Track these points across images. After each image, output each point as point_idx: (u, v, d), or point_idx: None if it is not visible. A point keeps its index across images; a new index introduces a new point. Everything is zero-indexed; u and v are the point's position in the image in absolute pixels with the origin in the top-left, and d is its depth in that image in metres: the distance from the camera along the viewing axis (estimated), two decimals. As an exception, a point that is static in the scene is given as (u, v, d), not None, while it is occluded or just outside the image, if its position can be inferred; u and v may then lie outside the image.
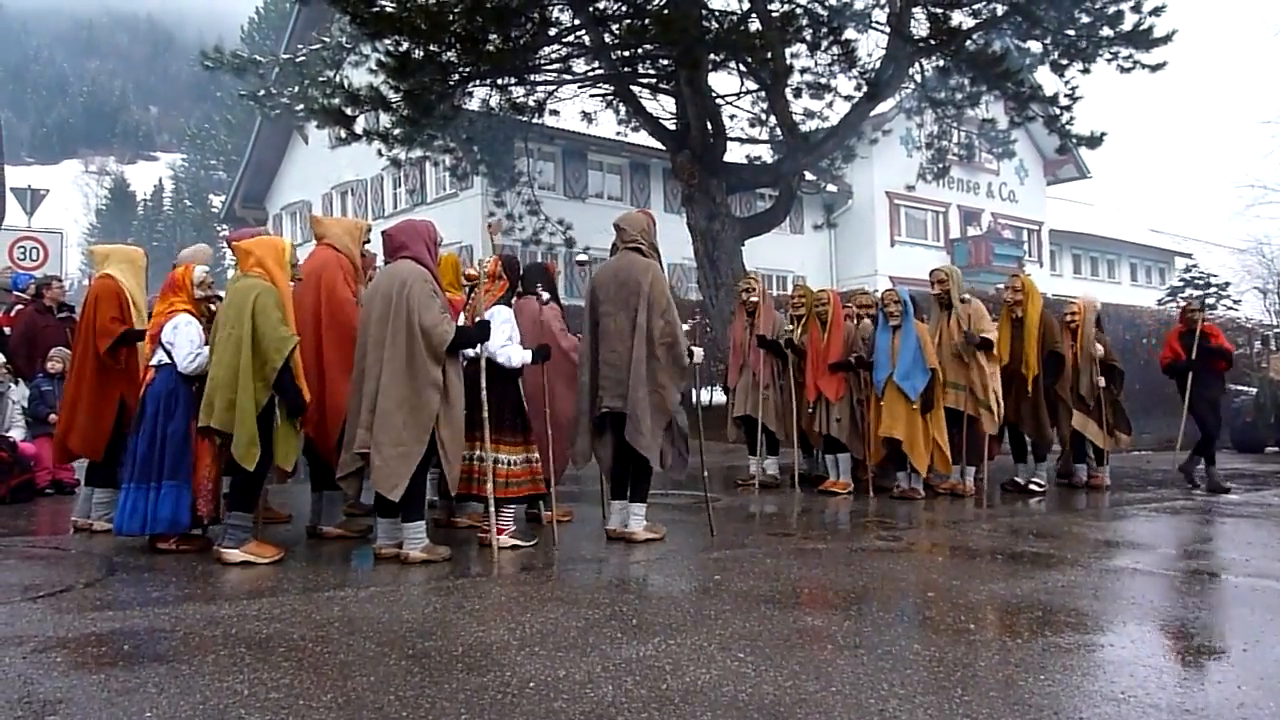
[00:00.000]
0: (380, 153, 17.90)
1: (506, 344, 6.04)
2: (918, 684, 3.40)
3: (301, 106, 17.75)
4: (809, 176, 21.84)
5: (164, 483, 5.71)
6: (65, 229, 18.95)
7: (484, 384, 5.76)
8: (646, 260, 6.42)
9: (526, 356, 6.14)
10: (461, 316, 6.21)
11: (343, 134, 16.86)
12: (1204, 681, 3.63)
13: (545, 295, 7.15)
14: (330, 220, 6.95)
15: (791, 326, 9.60)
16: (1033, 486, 9.60)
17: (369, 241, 6.84)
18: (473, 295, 6.17)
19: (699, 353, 6.58)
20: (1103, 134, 16.80)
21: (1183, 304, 10.21)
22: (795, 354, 9.39)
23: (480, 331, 5.78)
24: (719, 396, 13.69)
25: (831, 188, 27.63)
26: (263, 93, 18.96)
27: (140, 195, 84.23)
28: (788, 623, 4.28)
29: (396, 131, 16.89)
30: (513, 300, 6.56)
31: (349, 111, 16.21)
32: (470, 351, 5.89)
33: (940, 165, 20.43)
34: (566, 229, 19.57)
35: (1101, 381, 9.77)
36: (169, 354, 5.85)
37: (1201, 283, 36.25)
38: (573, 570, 5.57)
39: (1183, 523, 8.03)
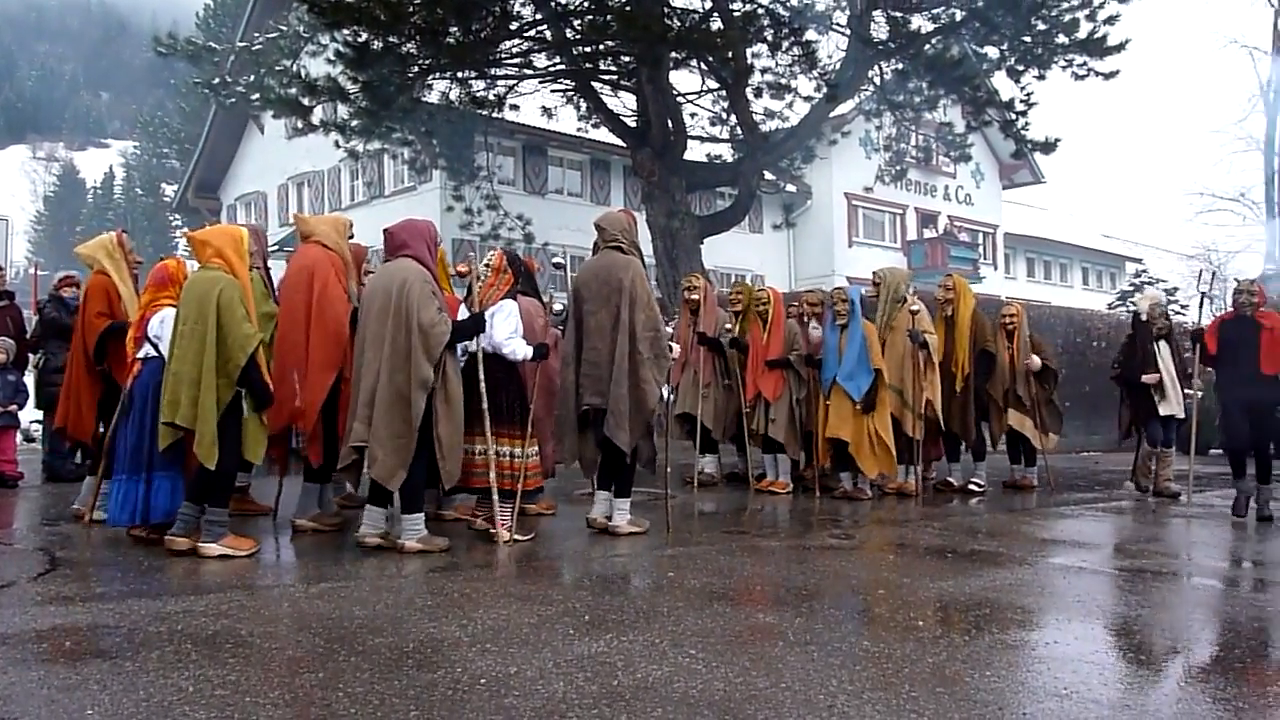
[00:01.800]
0: (338, 144, 17.73)
1: (512, 337, 6.11)
2: (866, 680, 3.43)
3: (257, 96, 17.54)
4: (768, 176, 21.95)
5: (155, 474, 5.66)
6: (11, 216, 18.56)
7: (481, 376, 5.86)
8: (628, 257, 6.49)
9: (529, 352, 6.21)
10: (464, 311, 6.29)
11: (299, 124, 16.70)
12: (1145, 678, 3.71)
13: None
14: (315, 218, 6.97)
15: (730, 326, 9.53)
16: (972, 487, 9.63)
17: (352, 236, 6.89)
18: (470, 291, 6.27)
19: (677, 349, 6.68)
20: (1057, 140, 17.08)
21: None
22: (738, 351, 9.38)
23: (475, 324, 5.87)
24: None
25: (791, 188, 27.76)
26: (218, 81, 18.72)
27: (90, 183, 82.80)
28: (740, 619, 4.31)
29: (354, 123, 16.76)
30: (516, 296, 6.59)
31: (306, 102, 16.07)
32: (471, 345, 5.98)
33: (898, 167, 20.65)
34: (526, 224, 19.49)
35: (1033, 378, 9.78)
36: (156, 348, 5.80)
37: (1145, 286, 36.88)
38: (528, 566, 5.56)
39: (1128, 522, 8.18)
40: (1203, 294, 9.66)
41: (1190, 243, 44.80)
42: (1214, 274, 9.27)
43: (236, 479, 5.92)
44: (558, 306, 6.71)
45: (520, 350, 6.14)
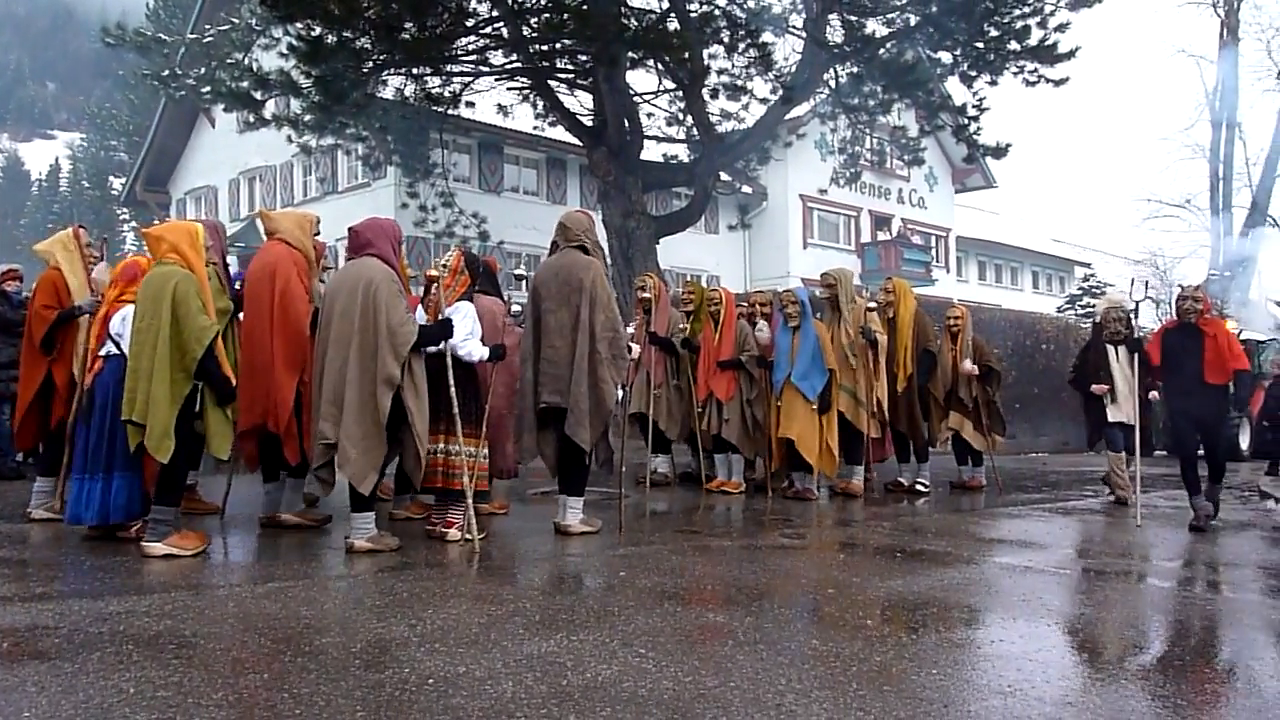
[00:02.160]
0: (290, 139, 17.55)
1: (468, 338, 6.09)
2: (814, 679, 3.46)
3: (208, 89, 17.29)
4: (724, 177, 22.07)
5: (115, 474, 5.63)
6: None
7: (451, 380, 5.84)
8: (588, 258, 6.53)
9: (484, 352, 6.20)
10: (421, 312, 6.31)
11: (251, 118, 16.50)
12: (1088, 675, 3.76)
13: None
14: (280, 214, 6.95)
15: (683, 326, 9.54)
16: (918, 487, 9.73)
17: (318, 234, 6.89)
18: (433, 292, 6.26)
19: (636, 349, 6.72)
20: (1008, 145, 17.31)
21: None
22: (690, 351, 9.37)
23: (442, 329, 5.87)
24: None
25: (746, 189, 27.93)
26: (167, 73, 18.43)
27: (35, 175, 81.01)
28: (690, 619, 4.32)
29: (307, 118, 16.59)
30: (473, 297, 6.57)
31: (258, 95, 15.88)
32: (432, 348, 5.96)
33: (852, 170, 20.83)
34: (481, 222, 19.40)
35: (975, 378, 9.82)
36: (118, 345, 5.76)
37: (1099, 291, 37.56)
38: (479, 566, 5.53)
39: (1075, 523, 8.31)
40: (1137, 303, 9.49)
41: (1138, 248, 45.61)
42: (1147, 283, 9.11)
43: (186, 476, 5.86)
44: (515, 308, 6.72)
45: (476, 351, 6.12)
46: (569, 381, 6.30)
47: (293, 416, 6.25)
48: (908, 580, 5.37)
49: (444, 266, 6.29)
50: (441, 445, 6.03)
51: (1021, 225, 45.49)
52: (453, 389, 5.84)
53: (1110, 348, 9.40)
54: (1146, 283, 9.03)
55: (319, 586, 4.83)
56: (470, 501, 5.96)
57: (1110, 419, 9.41)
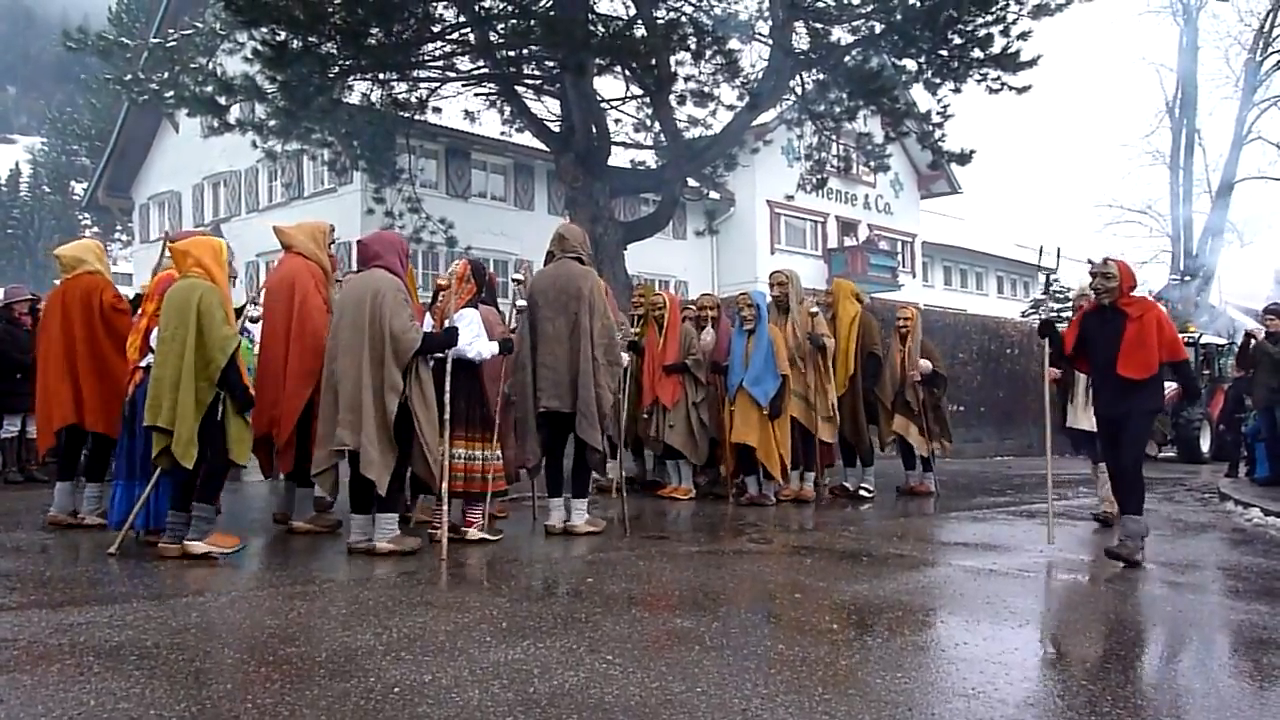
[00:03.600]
0: (255, 144, 17.40)
1: (475, 339, 6.29)
2: (780, 683, 3.48)
3: (172, 93, 17.08)
4: (692, 183, 22.12)
5: (161, 480, 5.83)
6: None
7: (448, 386, 6.04)
8: (585, 268, 6.90)
9: (494, 348, 6.43)
10: (429, 319, 6.60)
11: (215, 123, 16.36)
12: (1050, 677, 3.81)
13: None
14: (293, 228, 7.07)
15: (636, 330, 9.45)
16: (861, 492, 9.62)
17: (333, 243, 7.09)
18: (440, 300, 6.53)
19: (626, 358, 7.07)
20: (972, 151, 17.50)
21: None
22: (635, 355, 9.18)
23: (447, 337, 6.08)
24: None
25: (714, 195, 27.98)
26: (130, 77, 18.20)
27: (-6, 179, 79.69)
28: (657, 624, 4.33)
29: (272, 123, 16.48)
30: (478, 304, 6.74)
31: (222, 101, 15.74)
32: (440, 354, 6.19)
33: (819, 176, 20.93)
34: (448, 228, 19.32)
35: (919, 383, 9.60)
36: None
37: (1061, 296, 38.01)
38: (446, 574, 5.51)
39: (1039, 525, 8.35)
40: (1048, 274, 8.59)
41: (1100, 253, 46.11)
42: (1059, 250, 8.25)
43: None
44: (521, 303, 6.85)
45: (485, 349, 6.34)
46: (569, 386, 6.62)
47: (294, 429, 6.46)
48: (872, 584, 5.40)
49: (451, 274, 6.52)
50: (463, 451, 6.26)
51: (986, 230, 45.92)
52: (447, 396, 6.02)
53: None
54: (1059, 250, 8.44)
55: (283, 595, 4.79)
56: (450, 500, 6.06)
57: (1066, 423, 8.33)
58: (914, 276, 35.00)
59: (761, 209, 30.26)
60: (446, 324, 6.19)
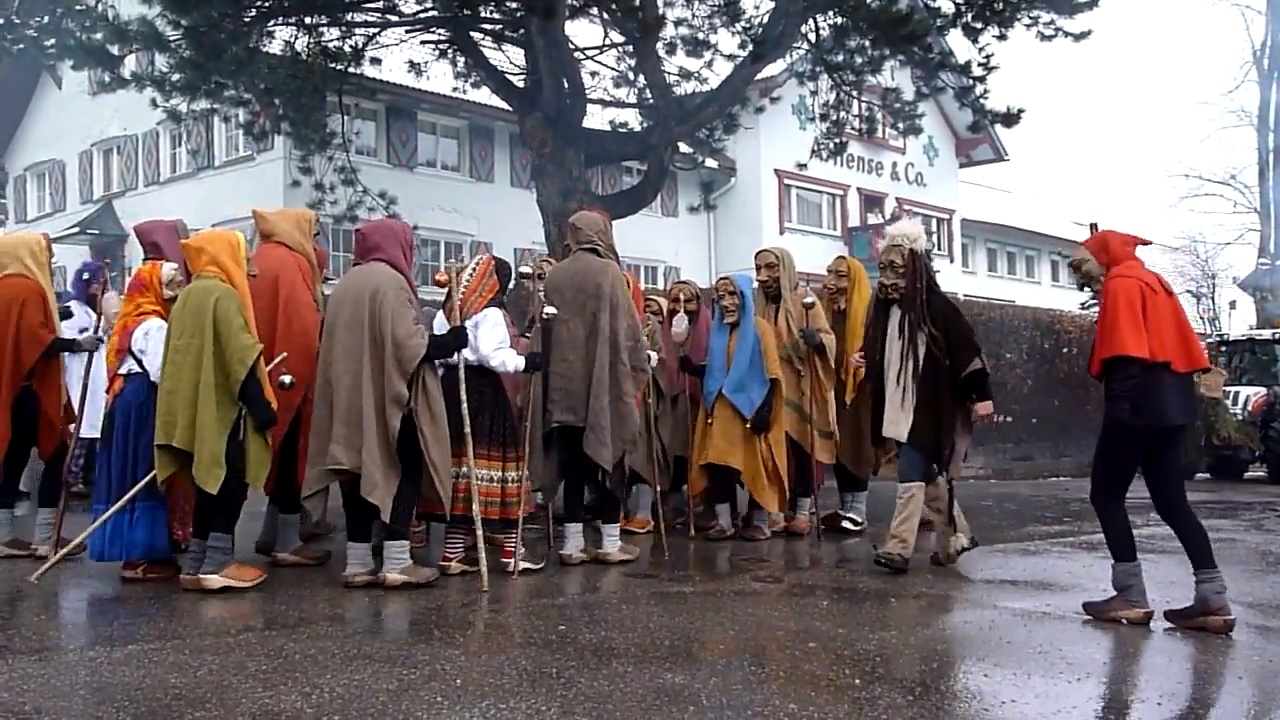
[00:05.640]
0: (155, 103, 17.31)
1: (500, 348, 6.45)
2: (790, 750, 3.49)
3: (53, 42, 16.98)
4: (684, 149, 22.10)
5: (137, 504, 6.04)
6: None
7: (464, 395, 6.17)
8: (604, 260, 7.02)
9: (520, 362, 6.55)
10: (440, 319, 6.69)
11: (107, 78, 16.26)
12: (1112, 740, 3.84)
13: None
14: (275, 215, 7.23)
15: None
16: (846, 524, 9.06)
17: (318, 234, 7.26)
18: (448, 299, 6.62)
19: (654, 357, 7.18)
20: (1021, 110, 17.51)
21: None
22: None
23: (456, 339, 6.19)
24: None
25: (711, 163, 27.99)
26: (2, 23, 18.11)
27: None
28: (643, 681, 4.33)
29: (176, 77, 16.37)
30: (502, 304, 6.90)
31: (115, 50, 15.64)
32: (450, 360, 6.32)
33: (837, 140, 20.95)
34: (390, 203, 19.27)
35: None
36: (139, 362, 6.25)
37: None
38: (387, 620, 5.52)
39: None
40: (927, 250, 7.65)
41: (1175, 232, 46.34)
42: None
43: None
44: (550, 310, 6.88)
45: (511, 361, 6.47)
46: (584, 398, 6.74)
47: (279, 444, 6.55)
48: (902, 631, 5.42)
49: (473, 271, 6.66)
50: (499, 473, 6.49)
51: (1038, 206, 46.12)
52: (464, 407, 6.15)
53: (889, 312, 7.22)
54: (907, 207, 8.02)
55: (191, 648, 4.78)
56: (481, 532, 6.24)
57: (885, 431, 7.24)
58: (951, 261, 35.03)
59: (768, 180, 30.31)
60: (455, 326, 6.33)
